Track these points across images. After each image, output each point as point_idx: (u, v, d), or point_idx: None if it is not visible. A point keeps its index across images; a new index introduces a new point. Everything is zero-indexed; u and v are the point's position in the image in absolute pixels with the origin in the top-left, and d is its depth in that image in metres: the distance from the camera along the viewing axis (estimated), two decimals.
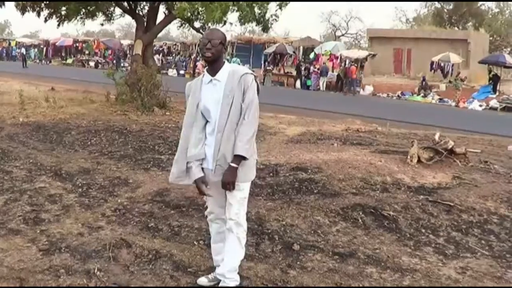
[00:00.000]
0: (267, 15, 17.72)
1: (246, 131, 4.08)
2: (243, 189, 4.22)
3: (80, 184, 7.40)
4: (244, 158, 4.08)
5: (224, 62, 4.26)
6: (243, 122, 4.09)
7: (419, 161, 8.07)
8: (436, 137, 9.13)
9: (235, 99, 4.09)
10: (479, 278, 4.82)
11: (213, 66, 4.20)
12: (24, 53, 49.74)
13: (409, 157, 8.13)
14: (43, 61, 56.08)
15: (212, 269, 4.63)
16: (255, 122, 4.16)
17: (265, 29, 18.41)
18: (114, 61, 47.37)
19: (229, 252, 4.30)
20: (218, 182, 4.16)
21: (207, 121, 4.21)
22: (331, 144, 10.13)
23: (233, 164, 4.07)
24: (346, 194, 6.81)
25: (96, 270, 4.60)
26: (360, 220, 6.07)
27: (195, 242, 5.41)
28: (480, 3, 52.94)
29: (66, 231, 5.57)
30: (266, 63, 39.32)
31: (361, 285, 4.59)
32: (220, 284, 4.35)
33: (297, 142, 10.52)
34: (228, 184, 4.10)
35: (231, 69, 4.23)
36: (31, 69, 39.33)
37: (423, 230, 5.89)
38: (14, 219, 5.91)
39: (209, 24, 17.81)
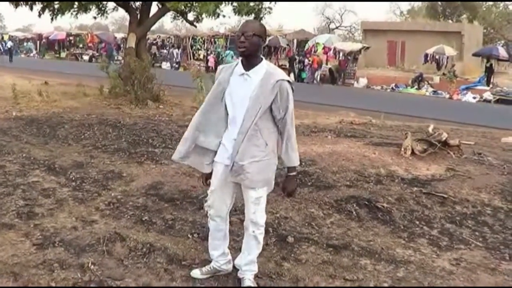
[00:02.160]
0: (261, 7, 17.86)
1: (294, 143, 4.10)
2: (257, 190, 4.13)
3: (73, 178, 7.37)
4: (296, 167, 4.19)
5: (262, 59, 4.05)
6: (291, 133, 4.06)
7: (413, 153, 8.09)
8: (430, 129, 9.15)
9: (265, 103, 3.93)
10: (473, 269, 4.83)
11: (249, 60, 3.99)
12: (10, 46, 48.79)
13: (403, 149, 8.15)
14: (38, 55, 55.70)
15: (206, 261, 4.63)
16: None
17: (257, 18, 18.46)
18: (107, 54, 47.12)
19: (246, 249, 4.31)
20: (229, 181, 4.15)
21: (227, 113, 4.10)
22: (325, 136, 10.15)
23: (291, 174, 4.15)
24: (340, 186, 6.82)
25: (90, 264, 4.58)
26: (354, 212, 6.08)
27: (189, 235, 5.40)
28: None
29: (60, 225, 5.55)
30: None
31: (355, 277, 4.59)
32: (238, 275, 4.40)
33: None
34: (293, 193, 4.30)
35: (268, 69, 4.02)
36: (24, 63, 39.00)
37: (417, 222, 5.91)
38: (8, 213, 5.87)
39: (203, 16, 17.89)
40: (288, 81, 4.04)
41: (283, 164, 4.18)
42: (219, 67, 4.27)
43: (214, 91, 4.13)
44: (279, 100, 3.95)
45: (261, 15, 18.32)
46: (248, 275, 4.33)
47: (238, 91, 4.01)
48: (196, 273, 4.51)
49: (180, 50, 46.92)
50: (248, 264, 4.32)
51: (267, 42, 39.64)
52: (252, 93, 3.94)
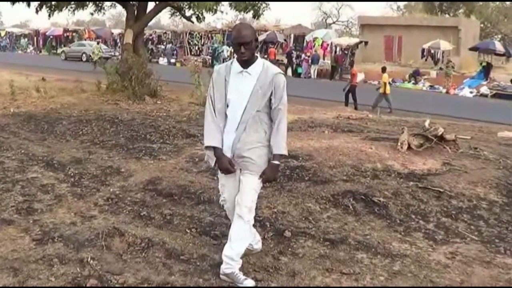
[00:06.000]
0: (258, 3, 17.89)
1: (284, 131, 4.33)
2: (256, 176, 4.30)
3: (72, 174, 7.41)
4: (283, 156, 4.39)
5: (257, 56, 4.33)
6: (281, 122, 4.28)
7: (409, 148, 8.11)
8: (426, 124, 9.17)
9: (264, 95, 4.21)
10: (468, 262, 4.87)
11: (247, 62, 4.23)
12: None
13: (399, 144, 8.17)
14: (35, 52, 55.49)
15: (205, 256, 4.69)
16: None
17: (256, 16, 18.51)
18: None
19: (238, 238, 4.31)
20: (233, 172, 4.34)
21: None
22: (322, 131, 10.16)
23: (276, 162, 4.30)
24: (336, 181, 6.85)
25: (89, 259, 4.61)
26: (350, 207, 6.11)
27: (187, 230, 5.44)
28: None
29: (59, 221, 5.58)
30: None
31: (352, 271, 4.63)
32: (224, 267, 4.31)
33: (288, 130, 10.45)
34: (272, 181, 4.60)
35: (264, 64, 4.30)
36: (21, 60, 38.88)
37: (413, 216, 5.94)
38: (7, 209, 5.91)
39: (202, 12, 17.92)
40: (282, 74, 4.38)
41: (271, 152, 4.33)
42: (216, 67, 4.47)
43: (219, 95, 4.30)
44: (275, 91, 4.23)
45: (260, 12, 18.35)
46: (237, 266, 4.32)
47: (238, 86, 4.24)
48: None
49: (172, 45, 46.97)
50: (239, 255, 4.34)
51: (264, 38, 39.65)
52: (253, 87, 4.21)
